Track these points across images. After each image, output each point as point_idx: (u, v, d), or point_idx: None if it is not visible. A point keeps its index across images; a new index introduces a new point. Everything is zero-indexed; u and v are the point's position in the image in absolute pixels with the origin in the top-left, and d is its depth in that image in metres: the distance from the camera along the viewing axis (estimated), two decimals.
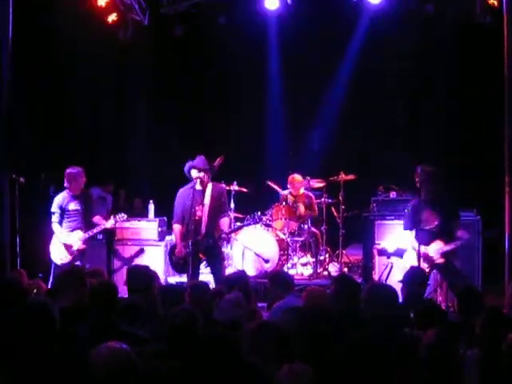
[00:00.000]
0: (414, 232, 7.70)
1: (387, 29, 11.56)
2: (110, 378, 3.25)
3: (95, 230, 8.62)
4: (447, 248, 7.49)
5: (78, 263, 8.37)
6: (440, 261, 7.49)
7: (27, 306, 4.08)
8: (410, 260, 7.61)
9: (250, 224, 8.45)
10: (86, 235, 8.53)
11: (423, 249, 7.45)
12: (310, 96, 12.64)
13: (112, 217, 8.66)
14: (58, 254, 8.49)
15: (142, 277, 5.66)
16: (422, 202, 7.63)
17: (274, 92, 12.79)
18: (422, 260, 7.40)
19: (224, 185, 8.72)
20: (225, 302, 5.11)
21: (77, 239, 8.48)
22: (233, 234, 8.82)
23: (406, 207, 8.09)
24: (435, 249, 7.49)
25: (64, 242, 8.46)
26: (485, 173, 10.56)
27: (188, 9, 12.09)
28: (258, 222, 8.44)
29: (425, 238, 7.53)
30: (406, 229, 7.86)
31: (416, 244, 7.44)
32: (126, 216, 8.79)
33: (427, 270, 7.43)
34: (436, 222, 7.60)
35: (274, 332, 3.79)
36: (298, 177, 10.74)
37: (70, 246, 8.48)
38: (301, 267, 10.39)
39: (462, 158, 11.54)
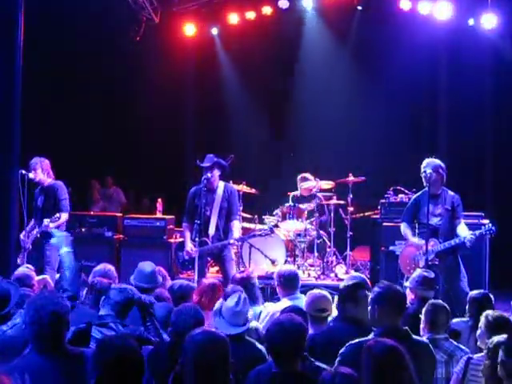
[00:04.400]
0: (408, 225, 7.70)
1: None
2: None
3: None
4: (440, 248, 7.35)
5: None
6: (433, 260, 7.34)
7: None
8: (407, 252, 7.65)
9: (261, 235, 8.40)
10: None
11: (419, 242, 7.46)
12: (321, 98, 12.61)
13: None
14: None
15: (151, 277, 5.66)
16: (427, 196, 7.40)
17: (284, 92, 12.74)
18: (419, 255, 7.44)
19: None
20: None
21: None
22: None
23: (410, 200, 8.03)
24: (429, 248, 7.32)
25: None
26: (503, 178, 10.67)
27: (199, 7, 12.13)
28: (269, 234, 8.36)
29: (425, 234, 7.42)
30: (403, 221, 7.78)
31: (412, 238, 7.55)
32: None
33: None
34: (438, 219, 7.50)
35: None
36: (309, 175, 10.61)
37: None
38: (308, 268, 10.35)
39: (477, 161, 11.66)
